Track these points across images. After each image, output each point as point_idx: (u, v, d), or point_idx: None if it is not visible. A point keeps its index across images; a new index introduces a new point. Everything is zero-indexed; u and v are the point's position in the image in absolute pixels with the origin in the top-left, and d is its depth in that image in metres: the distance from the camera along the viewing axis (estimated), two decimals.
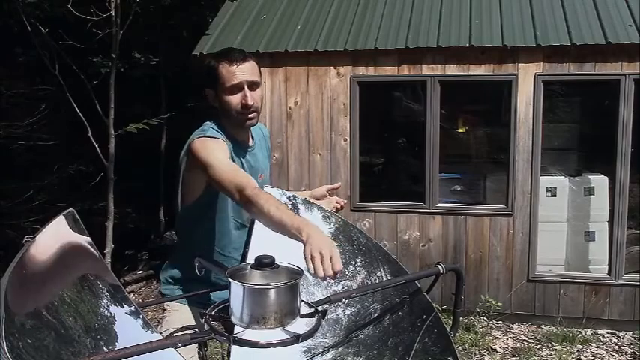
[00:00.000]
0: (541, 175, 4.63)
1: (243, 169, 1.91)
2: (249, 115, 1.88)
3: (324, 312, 1.29)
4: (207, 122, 1.91)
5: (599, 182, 4.83)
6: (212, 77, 1.88)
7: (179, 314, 1.89)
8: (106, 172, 4.50)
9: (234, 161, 1.85)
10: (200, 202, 1.91)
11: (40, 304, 1.18)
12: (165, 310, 2.01)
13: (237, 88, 1.85)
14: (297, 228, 1.40)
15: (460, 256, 4.75)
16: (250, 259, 1.43)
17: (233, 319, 1.20)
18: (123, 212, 5.98)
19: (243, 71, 1.85)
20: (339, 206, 2.10)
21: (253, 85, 1.87)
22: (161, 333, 1.64)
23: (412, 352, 1.42)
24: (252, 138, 2.05)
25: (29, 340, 1.07)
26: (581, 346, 4.30)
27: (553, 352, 4.20)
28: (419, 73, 4.69)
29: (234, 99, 1.86)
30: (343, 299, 1.46)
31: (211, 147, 1.77)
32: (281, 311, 1.18)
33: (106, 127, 4.39)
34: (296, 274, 1.24)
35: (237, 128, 1.93)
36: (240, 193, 1.61)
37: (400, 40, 4.68)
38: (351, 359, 1.46)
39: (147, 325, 1.45)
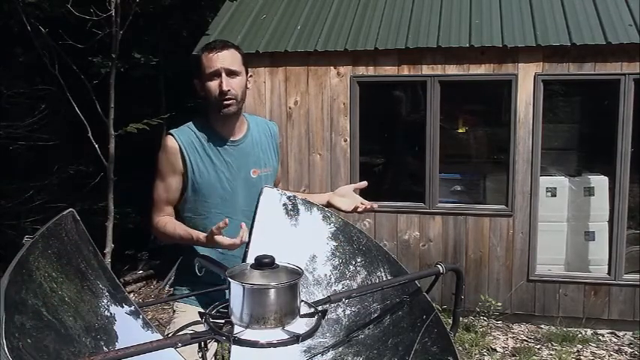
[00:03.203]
0: (541, 175, 4.63)
1: (222, 161, 1.97)
2: (226, 102, 1.91)
3: (324, 312, 1.29)
4: (191, 121, 2.02)
5: (599, 182, 4.83)
6: (197, 67, 1.95)
7: (187, 316, 1.89)
8: (106, 172, 4.49)
9: (207, 154, 1.95)
10: (184, 201, 1.98)
11: (40, 304, 1.18)
12: (175, 311, 2.03)
13: (216, 74, 1.91)
14: (197, 236, 1.82)
15: (460, 256, 4.75)
16: (250, 259, 1.43)
17: (233, 319, 1.20)
18: (123, 212, 5.99)
19: (221, 58, 1.91)
20: (362, 207, 2.00)
21: (232, 74, 1.92)
22: (167, 334, 1.64)
23: (412, 352, 1.42)
24: (248, 130, 2.04)
25: (29, 340, 1.07)
26: (581, 346, 4.30)
27: (553, 352, 4.20)
28: (419, 73, 4.69)
29: (213, 85, 1.91)
30: (343, 299, 1.46)
31: (160, 160, 1.97)
32: (281, 311, 1.18)
33: (106, 127, 4.38)
34: (296, 274, 1.24)
35: (219, 120, 1.97)
36: (154, 211, 2.00)
37: (400, 40, 4.69)
38: (351, 359, 1.46)
39: (147, 325, 1.45)
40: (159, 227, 1.97)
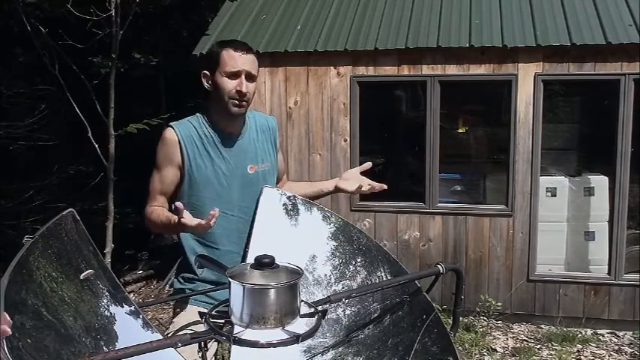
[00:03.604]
0: (541, 175, 4.63)
1: (220, 157, 1.96)
2: (242, 103, 1.92)
3: (324, 312, 1.29)
4: (192, 115, 2.01)
5: (599, 182, 4.83)
6: (213, 61, 1.94)
7: (187, 316, 1.89)
8: (106, 172, 4.49)
9: (205, 149, 1.95)
10: (180, 195, 1.98)
11: (40, 304, 1.18)
12: (174, 310, 2.03)
13: (236, 74, 1.91)
14: (174, 221, 1.74)
15: (460, 256, 4.75)
16: (250, 259, 1.43)
17: (233, 319, 1.20)
18: (123, 212, 5.98)
19: (245, 61, 1.92)
20: (368, 187, 2.01)
21: (250, 78, 1.93)
22: (167, 334, 1.64)
23: (412, 352, 1.42)
24: (246, 126, 2.04)
25: (29, 340, 1.07)
26: (581, 346, 4.30)
27: (553, 352, 4.20)
28: (419, 73, 4.69)
29: (230, 84, 1.91)
30: (343, 299, 1.46)
31: (158, 151, 1.97)
32: (281, 311, 1.18)
33: (106, 127, 4.38)
34: (296, 274, 1.24)
35: (224, 117, 1.96)
36: (147, 201, 1.99)
37: (400, 40, 4.69)
38: (351, 359, 1.46)
39: (147, 325, 1.45)
40: (147, 215, 1.98)
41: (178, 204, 1.66)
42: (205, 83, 1.98)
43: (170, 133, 1.95)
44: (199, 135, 1.96)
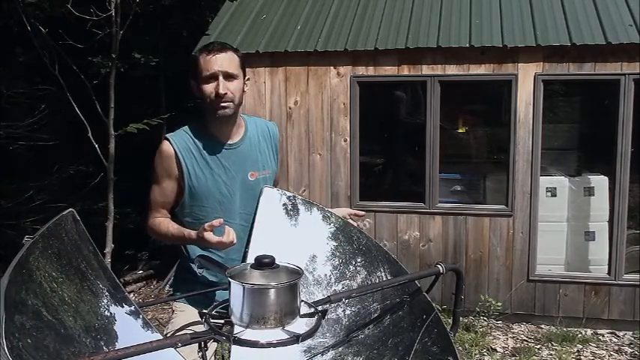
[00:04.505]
0: (541, 175, 4.63)
1: (219, 165, 1.95)
2: (222, 104, 1.89)
3: (324, 312, 1.29)
4: (187, 124, 2.00)
5: (599, 182, 4.82)
6: (194, 69, 1.92)
7: (185, 316, 1.89)
8: (106, 172, 4.50)
9: (204, 158, 1.94)
10: (181, 205, 1.98)
11: (40, 304, 1.18)
12: (173, 311, 2.03)
13: (213, 77, 1.89)
14: (189, 234, 1.85)
15: (460, 256, 4.75)
16: (250, 259, 1.43)
17: (233, 319, 1.20)
18: (123, 212, 5.98)
19: (219, 61, 1.89)
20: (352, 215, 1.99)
21: (229, 77, 1.90)
22: (166, 334, 1.64)
23: (412, 352, 1.42)
24: (245, 133, 2.02)
25: (29, 340, 1.07)
26: (581, 346, 4.30)
27: (553, 352, 4.20)
28: (419, 73, 4.69)
29: (209, 88, 1.89)
30: (343, 299, 1.46)
31: (156, 164, 1.97)
32: (281, 311, 1.18)
33: (106, 127, 4.38)
34: (296, 274, 1.24)
35: (215, 123, 1.95)
36: (149, 213, 2.01)
37: (400, 40, 4.69)
38: (351, 359, 1.46)
39: (147, 325, 1.45)
40: (153, 227, 1.98)
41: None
42: (194, 92, 1.96)
43: (167, 146, 1.93)
44: (196, 144, 1.94)
